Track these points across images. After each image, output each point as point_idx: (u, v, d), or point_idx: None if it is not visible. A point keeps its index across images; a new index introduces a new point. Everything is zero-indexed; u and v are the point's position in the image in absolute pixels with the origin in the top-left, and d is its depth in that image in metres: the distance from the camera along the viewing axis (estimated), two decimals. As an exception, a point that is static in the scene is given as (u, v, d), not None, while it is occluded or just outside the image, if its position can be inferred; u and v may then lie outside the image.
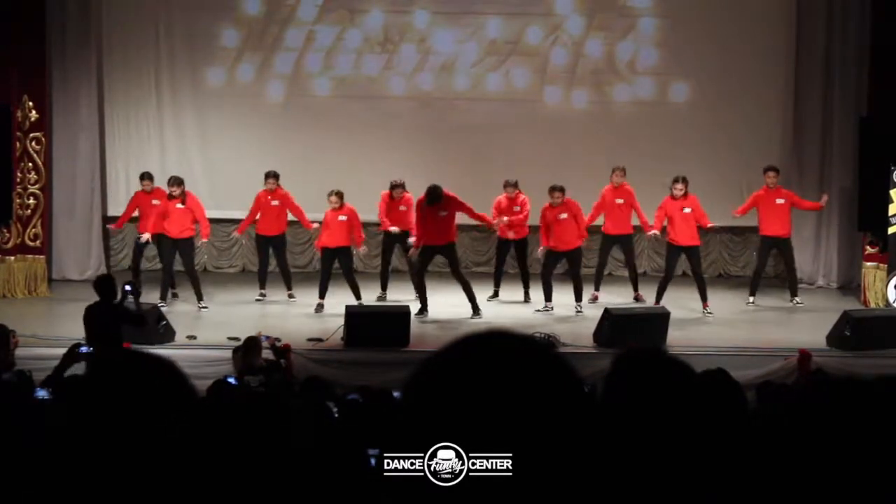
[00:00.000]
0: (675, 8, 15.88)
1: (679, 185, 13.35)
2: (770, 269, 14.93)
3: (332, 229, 13.48)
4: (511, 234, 14.10)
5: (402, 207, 13.97)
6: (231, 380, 9.09)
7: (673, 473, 2.13)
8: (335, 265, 13.49)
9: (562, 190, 13.36)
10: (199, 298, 13.59)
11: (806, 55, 15.42)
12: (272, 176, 13.98)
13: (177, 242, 13.57)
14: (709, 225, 13.54)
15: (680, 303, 13.32)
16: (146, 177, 14.23)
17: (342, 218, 13.46)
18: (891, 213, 13.25)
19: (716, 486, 2.21)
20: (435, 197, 12.91)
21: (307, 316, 13.18)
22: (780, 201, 13.82)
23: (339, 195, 13.50)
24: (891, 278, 13.23)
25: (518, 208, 14.00)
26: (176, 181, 13.60)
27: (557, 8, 15.98)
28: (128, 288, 10.11)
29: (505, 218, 13.90)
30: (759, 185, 14.19)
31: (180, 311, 13.14)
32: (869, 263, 14.13)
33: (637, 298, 14.10)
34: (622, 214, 14.05)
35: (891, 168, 13.23)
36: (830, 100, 15.25)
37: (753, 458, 2.38)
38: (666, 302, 13.06)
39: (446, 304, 13.32)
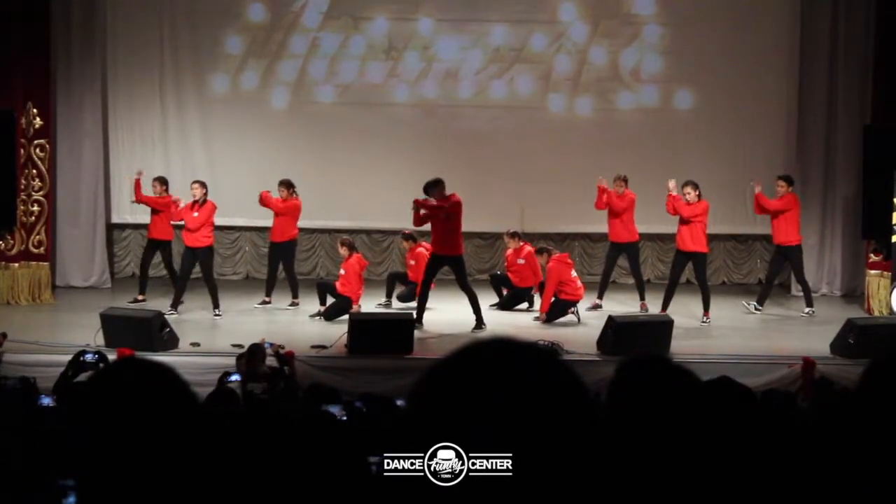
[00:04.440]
0: (679, 16, 15.89)
1: (687, 189, 13.21)
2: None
3: (341, 278, 13.55)
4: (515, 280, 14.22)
5: (412, 262, 14.06)
6: (234, 377, 9.08)
7: (676, 480, 2.12)
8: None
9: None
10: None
11: (810, 63, 15.41)
12: (284, 185, 13.86)
13: (195, 252, 13.33)
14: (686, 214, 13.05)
15: (684, 311, 13.29)
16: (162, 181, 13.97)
17: (341, 272, 13.53)
18: (895, 220, 13.22)
19: (720, 493, 2.21)
20: (428, 185, 12.57)
21: (311, 323, 13.17)
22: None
23: (348, 246, 13.59)
24: (895, 286, 13.20)
25: (523, 261, 14.01)
26: (200, 184, 13.43)
27: (561, 15, 15.99)
28: None
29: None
30: (763, 192, 14.10)
31: (185, 319, 13.09)
32: (873, 271, 14.09)
33: (643, 307, 13.99)
34: (624, 222, 13.97)
35: (895, 176, 13.20)
36: (834, 107, 15.22)
37: (760, 465, 2.37)
38: (670, 310, 13.02)
39: (450, 313, 13.29)
